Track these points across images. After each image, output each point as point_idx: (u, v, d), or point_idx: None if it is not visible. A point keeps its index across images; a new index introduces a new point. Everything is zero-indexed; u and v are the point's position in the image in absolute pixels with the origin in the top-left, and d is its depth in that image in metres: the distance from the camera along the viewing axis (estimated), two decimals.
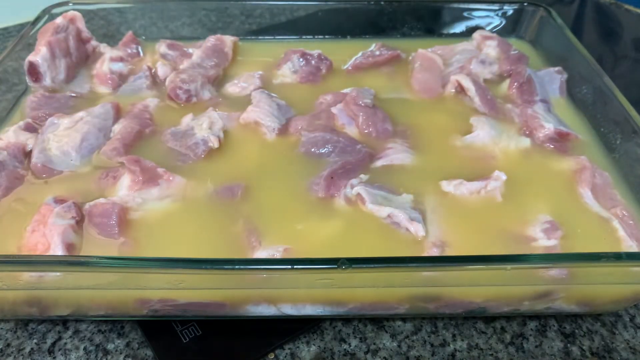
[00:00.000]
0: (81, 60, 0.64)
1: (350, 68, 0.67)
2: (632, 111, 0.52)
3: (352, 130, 0.55)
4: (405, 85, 0.64)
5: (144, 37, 0.71)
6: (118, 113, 0.56)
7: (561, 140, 0.54)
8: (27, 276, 0.38)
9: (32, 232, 0.42)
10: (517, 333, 0.45)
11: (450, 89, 0.62)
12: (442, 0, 0.74)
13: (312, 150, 0.52)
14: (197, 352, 0.43)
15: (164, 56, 0.65)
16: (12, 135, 0.51)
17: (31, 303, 0.43)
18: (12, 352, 0.43)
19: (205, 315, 0.44)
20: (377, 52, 0.68)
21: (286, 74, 0.64)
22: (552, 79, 0.63)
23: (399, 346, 0.44)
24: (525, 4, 0.73)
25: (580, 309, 0.45)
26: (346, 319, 0.46)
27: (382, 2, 0.73)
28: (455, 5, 0.74)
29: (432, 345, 0.44)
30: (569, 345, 0.45)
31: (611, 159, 0.54)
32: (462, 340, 0.45)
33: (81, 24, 0.64)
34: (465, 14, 0.74)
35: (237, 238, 0.43)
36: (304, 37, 0.72)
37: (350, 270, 0.35)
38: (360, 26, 0.74)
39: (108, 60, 0.62)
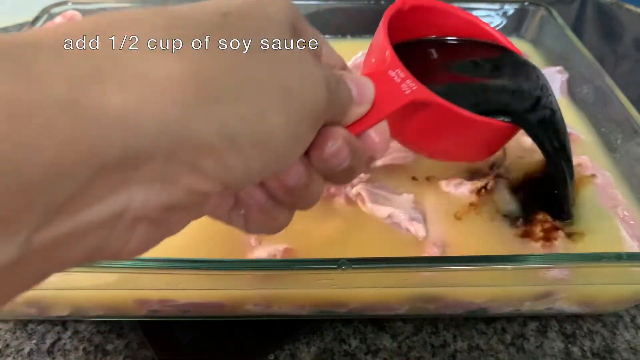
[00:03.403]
0: None
1: (350, 68, 0.66)
2: (633, 111, 0.52)
3: None
4: None
5: None
6: None
7: None
8: None
9: None
10: (518, 334, 0.45)
11: None
12: None
13: None
14: (197, 353, 0.43)
15: None
16: None
17: (30, 303, 0.42)
18: (11, 353, 0.43)
19: (204, 316, 0.44)
20: None
21: None
22: (553, 78, 0.63)
23: (399, 347, 0.44)
24: (526, 3, 0.73)
25: (581, 309, 0.45)
26: (346, 320, 0.46)
27: (383, 2, 0.73)
28: (456, 4, 0.73)
29: (432, 346, 0.44)
30: (569, 345, 0.45)
31: (612, 158, 0.53)
32: (463, 341, 0.45)
33: None
34: None
35: (237, 237, 0.43)
36: None
37: (351, 270, 0.35)
38: (361, 25, 0.74)
39: None
